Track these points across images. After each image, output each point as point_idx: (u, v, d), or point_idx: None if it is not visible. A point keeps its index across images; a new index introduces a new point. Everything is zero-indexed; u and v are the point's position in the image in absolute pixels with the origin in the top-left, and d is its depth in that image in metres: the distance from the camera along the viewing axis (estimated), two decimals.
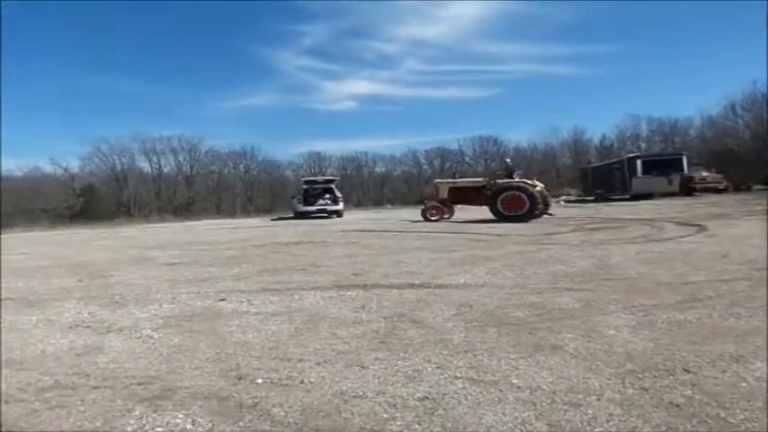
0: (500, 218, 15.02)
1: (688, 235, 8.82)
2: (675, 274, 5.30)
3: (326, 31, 70.31)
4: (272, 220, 24.25)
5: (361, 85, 76.55)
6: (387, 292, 4.98)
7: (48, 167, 45.08)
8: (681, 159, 26.23)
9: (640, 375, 2.60)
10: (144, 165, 47.01)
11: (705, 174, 26.42)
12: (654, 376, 2.58)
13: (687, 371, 2.64)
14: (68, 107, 64.66)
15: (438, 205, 17.14)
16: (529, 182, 16.31)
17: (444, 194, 17.37)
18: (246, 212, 40.73)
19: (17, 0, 51.45)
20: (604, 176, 30.55)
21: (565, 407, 2.28)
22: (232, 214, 39.13)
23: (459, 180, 18.92)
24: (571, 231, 10.73)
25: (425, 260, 7.00)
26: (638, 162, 26.38)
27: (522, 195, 15.35)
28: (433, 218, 16.62)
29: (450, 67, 77.46)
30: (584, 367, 2.76)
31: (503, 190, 15.55)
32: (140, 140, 45.90)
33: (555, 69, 72.87)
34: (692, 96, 78.01)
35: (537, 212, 15.26)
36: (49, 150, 74.53)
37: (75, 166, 45.33)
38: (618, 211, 16.91)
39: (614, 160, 31.84)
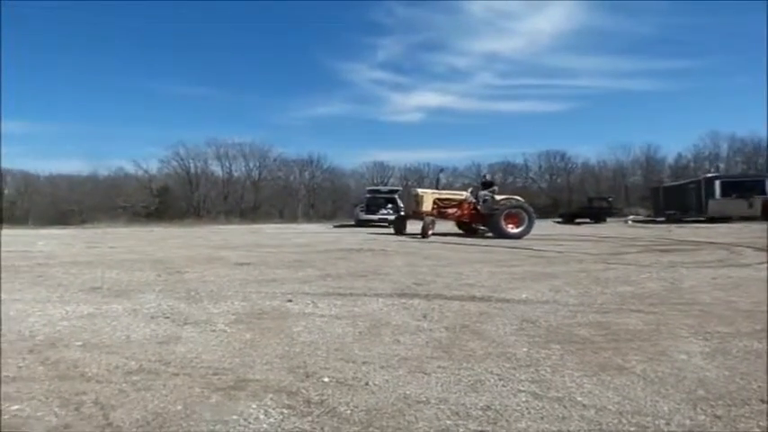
0: (500, 236, 14.65)
1: None
2: (753, 301, 5.02)
3: (400, 45, 71.44)
4: (334, 226, 24.76)
5: (430, 98, 77.11)
6: (448, 303, 5.01)
7: (131, 168, 48.16)
8: (764, 182, 24.59)
9: (713, 403, 2.51)
10: (216, 168, 49.40)
11: None
12: (728, 405, 2.49)
13: (764, 401, 2.53)
14: (154, 112, 68.87)
15: (432, 220, 15.63)
16: (514, 197, 16.40)
17: (428, 206, 15.83)
18: (308, 218, 41.74)
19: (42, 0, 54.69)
20: (678, 197, 29.10)
21: (632, 428, 2.25)
22: (295, 220, 40.21)
23: (443, 191, 17.54)
24: (639, 252, 10.32)
25: (485, 273, 6.97)
26: (717, 183, 24.97)
27: (522, 213, 15.45)
28: (429, 233, 15.05)
29: (522, 81, 76.97)
30: (652, 390, 2.70)
31: (508, 207, 15.41)
32: (215, 145, 48.29)
33: (630, 84, 70.62)
34: None
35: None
36: (135, 152, 79.58)
37: (154, 167, 48.19)
38: (691, 234, 16.07)
39: (690, 180, 30.27)
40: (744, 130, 56.20)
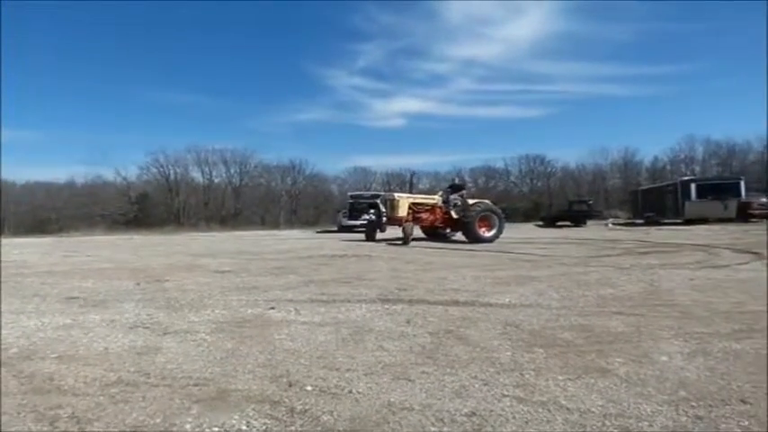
0: (474, 240, 14.63)
1: (745, 262, 8.46)
2: (732, 302, 5.10)
3: (380, 51, 71.58)
4: (317, 232, 24.63)
5: (411, 104, 77.33)
6: (432, 308, 5.00)
7: (109, 176, 47.42)
8: (738, 184, 25.08)
9: (694, 404, 2.54)
10: (196, 175, 48.86)
11: (764, 200, 25.19)
12: (709, 405, 2.52)
13: (744, 401, 2.56)
14: (132, 119, 67.96)
15: (413, 225, 15.05)
16: (483, 201, 16.36)
17: (404, 211, 15.22)
18: (291, 224, 41.48)
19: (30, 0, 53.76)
20: (656, 199, 29.58)
21: (615, 431, 2.26)
22: (277, 226, 39.93)
23: (417, 196, 16.88)
24: (620, 255, 10.45)
25: (469, 278, 6.98)
26: (693, 186, 25.41)
27: (493, 216, 15.55)
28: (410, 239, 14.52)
29: (501, 86, 77.25)
30: (634, 392, 2.71)
31: (481, 211, 15.39)
32: (195, 152, 47.79)
33: (608, 89, 71.58)
34: (753, 119, 74.50)
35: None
36: (115, 159, 78.60)
37: (133, 175, 47.51)
38: (669, 236, 16.34)
39: (667, 183, 30.76)
40: (719, 134, 57.55)
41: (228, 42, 69.97)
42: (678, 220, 25.53)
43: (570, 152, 74.43)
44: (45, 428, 2.34)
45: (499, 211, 16.14)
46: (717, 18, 62.92)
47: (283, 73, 72.22)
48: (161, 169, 47.60)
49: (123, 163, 60.09)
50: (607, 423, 2.34)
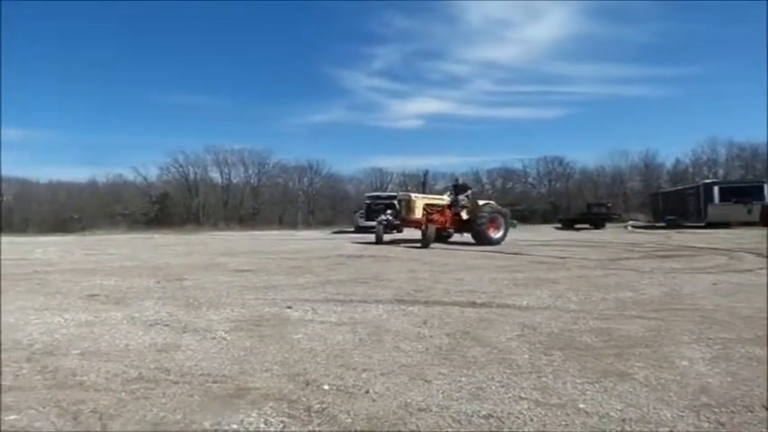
0: (484, 242, 14.15)
1: None
2: (755, 307, 5.00)
3: (398, 54, 71.60)
4: (333, 233, 24.72)
5: (429, 105, 77.26)
6: (448, 309, 4.99)
7: (130, 175, 48.16)
8: (762, 187, 24.55)
9: (716, 410, 2.49)
10: (215, 175, 49.36)
11: None
12: (731, 411, 2.47)
13: (766, 408, 2.51)
14: (155, 120, 68.99)
15: (434, 228, 14.24)
16: (490, 202, 15.97)
17: (419, 213, 14.60)
18: (308, 224, 41.71)
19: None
20: (677, 202, 29.13)
21: None
22: (294, 226, 40.17)
23: (429, 196, 16.02)
24: (640, 258, 10.31)
25: (487, 279, 6.95)
26: (716, 188, 24.96)
27: (500, 217, 15.15)
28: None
29: (520, 88, 76.67)
30: (655, 397, 2.67)
31: (492, 212, 14.98)
32: (214, 152, 48.30)
33: (628, 91, 70.50)
34: None
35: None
36: (136, 159, 79.97)
37: (153, 175, 48.17)
38: (691, 239, 16.07)
39: (689, 186, 30.26)
40: (741, 136, 56.34)
41: (247, 46, 70.57)
42: (700, 224, 25.09)
43: (589, 154, 73.89)
44: (68, 423, 2.39)
45: (506, 211, 15.87)
46: (739, 18, 61.72)
47: (301, 75, 72.77)
48: (180, 169, 48.22)
49: (144, 164, 60.71)
50: (626, 428, 2.31)
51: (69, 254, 12.31)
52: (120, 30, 66.72)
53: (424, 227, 13.96)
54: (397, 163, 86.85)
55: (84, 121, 66.76)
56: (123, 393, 2.76)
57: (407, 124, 71.28)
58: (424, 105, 78.58)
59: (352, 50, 76.41)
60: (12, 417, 2.45)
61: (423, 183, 18.42)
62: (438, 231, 14.91)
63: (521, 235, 20.58)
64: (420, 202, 14.82)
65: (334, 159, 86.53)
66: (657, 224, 30.39)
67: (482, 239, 14.30)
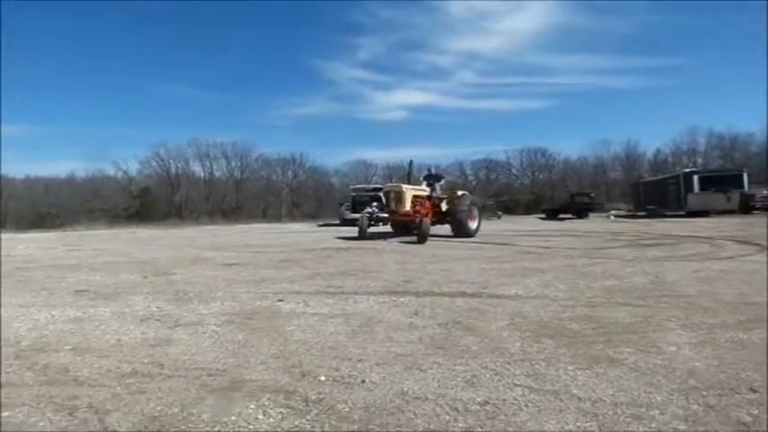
0: (462, 233, 13.70)
1: (749, 254, 8.47)
2: (737, 293, 5.13)
3: (381, 44, 71.31)
4: (319, 225, 24.64)
5: (413, 96, 77.09)
6: (439, 299, 5.03)
7: (110, 170, 47.45)
8: (741, 176, 25.03)
9: (704, 392, 2.56)
10: (197, 169, 48.85)
11: (766, 192, 25.16)
12: (719, 394, 2.54)
13: (753, 390, 2.59)
14: (131, 113, 67.89)
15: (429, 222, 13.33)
16: (465, 193, 15.80)
17: (407, 204, 13.69)
18: (292, 217, 41.51)
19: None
20: (658, 192, 29.56)
21: (627, 419, 2.28)
22: (278, 219, 39.95)
23: (416, 186, 14.92)
24: (623, 246, 10.47)
25: (476, 270, 7.01)
26: (696, 177, 25.36)
27: (476, 208, 14.88)
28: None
29: (503, 79, 76.95)
30: (644, 381, 2.74)
31: (472, 203, 14.71)
32: (195, 146, 47.76)
33: (610, 82, 71.27)
34: (756, 111, 74.23)
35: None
36: (116, 153, 78.69)
37: (133, 169, 47.50)
38: (672, 228, 16.35)
39: (669, 175, 30.70)
40: (721, 126, 57.31)
41: (229, 36, 69.77)
42: (680, 213, 25.52)
43: (572, 144, 74.63)
44: (64, 419, 2.38)
45: (480, 202, 15.88)
46: (719, 9, 62.58)
47: (284, 66, 72.15)
48: (161, 163, 47.69)
49: (124, 157, 59.67)
50: (618, 411, 2.37)
51: (52, 250, 12.10)
52: (98, 21, 65.37)
53: (419, 220, 13.10)
54: (381, 155, 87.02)
55: (61, 114, 65.46)
56: (118, 388, 2.74)
57: (391, 116, 71.25)
58: (408, 97, 78.57)
59: (335, 41, 76.08)
60: (5, 413, 2.42)
61: (408, 173, 17.04)
62: (403, 224, 14.26)
63: (505, 226, 20.79)
64: (410, 193, 13.97)
65: (318, 152, 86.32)
66: (639, 213, 30.85)
67: (461, 230, 13.87)
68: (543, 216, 31.96)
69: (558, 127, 72.15)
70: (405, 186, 14.16)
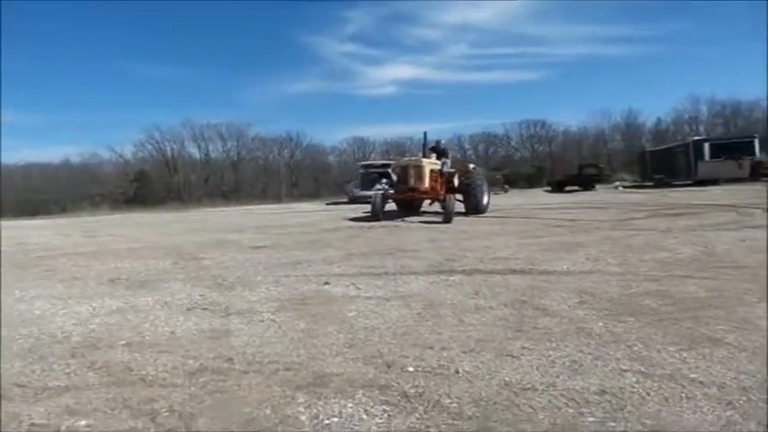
0: (476, 210, 12.84)
1: None
2: None
3: (370, 18, 69.74)
4: (327, 204, 24.32)
5: (405, 70, 75.57)
6: (490, 277, 4.83)
7: (105, 154, 46.80)
8: (752, 143, 24.59)
9: None
10: (193, 151, 48.14)
11: None
12: None
13: None
14: (125, 95, 66.71)
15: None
16: (474, 167, 14.76)
17: (427, 181, 12.46)
18: (292, 197, 41.12)
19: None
20: (665, 161, 29.16)
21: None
22: (278, 199, 39.56)
23: (431, 160, 13.44)
24: (649, 217, 10.26)
25: (513, 245, 6.80)
26: (706, 145, 24.90)
27: (485, 184, 13.98)
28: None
29: (497, 50, 75.43)
30: (760, 362, 2.55)
31: (483, 177, 13.95)
32: (190, 127, 46.99)
33: (608, 50, 70.01)
34: (759, 77, 73.40)
35: None
36: (109, 137, 77.60)
37: (128, 152, 46.84)
38: (688, 197, 16.11)
39: (677, 143, 30.30)
40: (722, 93, 56.66)
41: (215, 13, 67.91)
42: (688, 182, 25.24)
43: (571, 115, 73.41)
44: (147, 425, 2.17)
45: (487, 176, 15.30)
46: None
47: (272, 43, 70.29)
48: (156, 145, 46.91)
49: (118, 140, 58.72)
50: (752, 397, 2.17)
51: (67, 237, 11.78)
52: (86, 3, 63.69)
53: (443, 198, 12.06)
54: (377, 131, 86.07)
55: (51, 99, 64.28)
56: (193, 388, 2.53)
57: (384, 91, 69.76)
58: (400, 71, 76.86)
59: (322, 14, 73.90)
60: (82, 422, 2.21)
61: (423, 144, 14.81)
62: (410, 202, 13.26)
63: (514, 200, 20.51)
64: (428, 167, 12.64)
65: (314, 130, 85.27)
66: (645, 183, 30.58)
67: (475, 206, 13.02)
68: (549, 189, 31.69)
69: (557, 98, 70.95)
70: (425, 161, 12.86)
